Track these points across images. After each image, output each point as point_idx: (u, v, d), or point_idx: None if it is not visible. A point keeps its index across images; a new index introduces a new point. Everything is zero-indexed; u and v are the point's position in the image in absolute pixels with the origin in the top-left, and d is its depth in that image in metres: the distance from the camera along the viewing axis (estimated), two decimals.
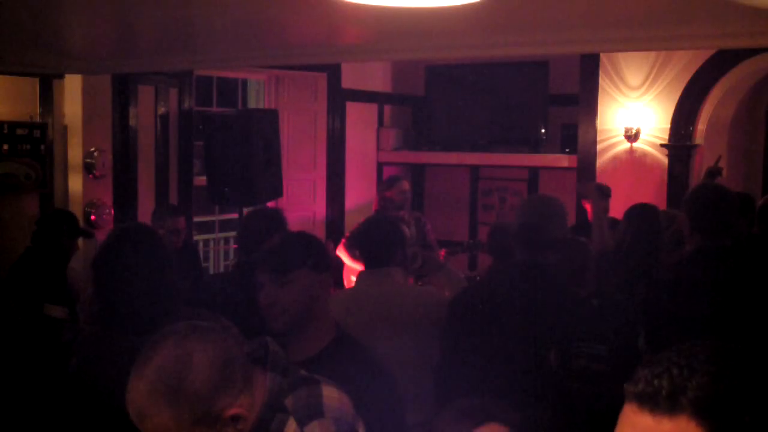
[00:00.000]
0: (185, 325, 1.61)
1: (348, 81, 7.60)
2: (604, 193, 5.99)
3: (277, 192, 6.43)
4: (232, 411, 1.53)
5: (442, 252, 6.18)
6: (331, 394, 1.65)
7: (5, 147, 5.21)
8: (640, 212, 4.00)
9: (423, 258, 4.11)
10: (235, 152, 5.98)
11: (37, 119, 5.42)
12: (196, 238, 6.46)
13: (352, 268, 5.77)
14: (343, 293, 3.65)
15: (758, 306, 2.87)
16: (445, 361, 2.90)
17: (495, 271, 3.04)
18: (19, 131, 5.29)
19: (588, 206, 5.83)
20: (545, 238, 2.77)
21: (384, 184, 5.99)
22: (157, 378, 1.50)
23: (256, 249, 3.40)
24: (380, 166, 8.17)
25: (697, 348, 1.04)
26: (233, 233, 7.32)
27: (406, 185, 5.97)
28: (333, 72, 7.43)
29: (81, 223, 4.91)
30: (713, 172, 5.33)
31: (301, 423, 1.58)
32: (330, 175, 7.60)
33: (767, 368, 1.03)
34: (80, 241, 4.62)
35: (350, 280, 5.79)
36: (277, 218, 3.74)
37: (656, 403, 1.01)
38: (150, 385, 1.50)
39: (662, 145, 6.76)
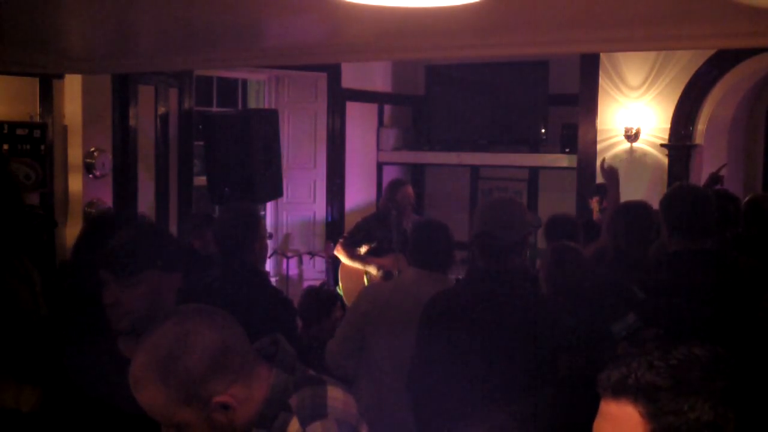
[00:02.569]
0: (193, 306, 1.64)
1: (348, 81, 7.60)
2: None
3: (277, 192, 6.43)
4: (222, 398, 1.54)
5: None
6: (335, 395, 1.65)
7: (5, 147, 5.21)
8: (630, 212, 3.97)
9: None
10: (235, 152, 5.98)
11: (37, 119, 5.42)
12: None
13: (350, 266, 5.80)
14: (389, 284, 3.80)
15: (735, 311, 2.82)
16: (417, 363, 2.92)
17: (464, 277, 3.07)
18: (19, 131, 5.29)
19: (593, 204, 5.84)
20: (503, 245, 2.78)
21: (390, 186, 6.02)
22: (152, 352, 1.54)
23: (232, 242, 3.41)
24: (380, 166, 8.17)
25: (669, 346, 1.14)
26: None
27: (410, 189, 6.02)
28: (333, 72, 7.43)
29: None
30: (715, 178, 5.33)
31: (304, 423, 1.58)
32: (330, 174, 7.60)
33: (730, 369, 1.11)
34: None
35: (348, 278, 5.81)
36: (249, 213, 3.68)
37: (606, 389, 1.16)
38: (146, 358, 1.54)
39: (662, 145, 6.76)
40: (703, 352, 1.13)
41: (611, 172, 4.33)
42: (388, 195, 5.92)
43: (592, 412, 1.20)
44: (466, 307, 2.78)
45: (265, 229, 3.66)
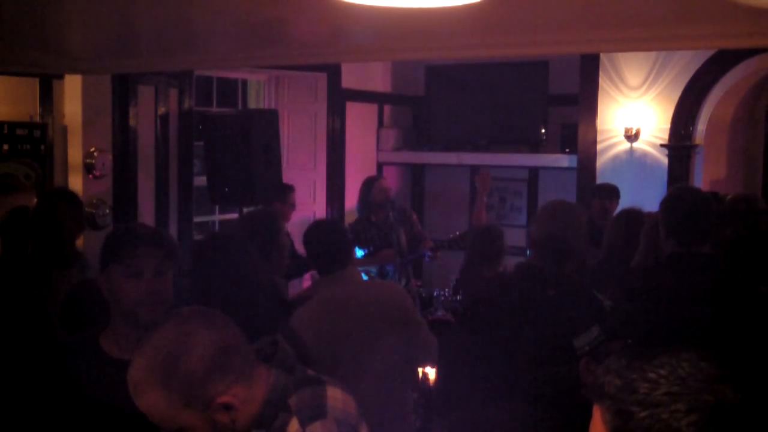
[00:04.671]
0: (190, 309, 1.64)
1: (348, 81, 7.59)
2: (609, 193, 5.98)
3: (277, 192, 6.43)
4: (224, 398, 1.54)
5: (429, 243, 6.21)
6: (335, 395, 1.65)
7: (5, 147, 5.21)
8: (628, 218, 3.99)
9: None
10: (235, 152, 5.98)
11: (37, 119, 5.42)
12: (196, 238, 6.47)
13: None
14: (312, 305, 3.27)
15: (726, 318, 2.80)
16: (451, 360, 2.90)
17: (514, 274, 3.03)
18: (19, 131, 5.29)
19: (595, 205, 5.84)
20: (570, 249, 2.80)
21: (363, 188, 6.04)
22: (153, 356, 1.53)
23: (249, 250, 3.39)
24: (380, 166, 8.17)
25: (653, 354, 1.14)
26: None
27: (384, 183, 6.01)
28: (333, 72, 7.43)
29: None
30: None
31: (304, 423, 1.58)
32: (330, 175, 7.60)
33: (703, 387, 1.09)
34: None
35: None
36: (269, 219, 3.68)
37: (589, 391, 1.19)
38: (146, 362, 1.53)
39: (662, 145, 6.76)
40: (684, 366, 1.10)
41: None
42: (362, 195, 5.95)
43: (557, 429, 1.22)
44: (514, 307, 2.76)
45: (286, 237, 3.63)
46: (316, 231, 3.42)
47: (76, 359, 2.09)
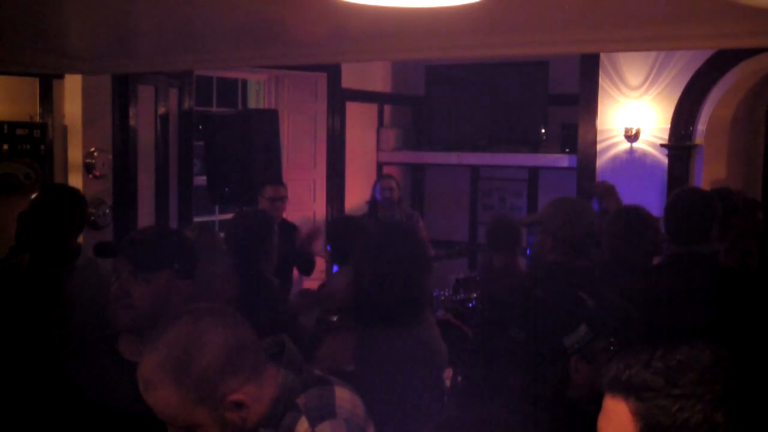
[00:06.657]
0: (203, 306, 1.64)
1: (348, 81, 7.60)
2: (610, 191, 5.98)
3: None
4: (236, 396, 1.54)
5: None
6: (343, 395, 1.65)
7: (5, 147, 5.21)
8: (628, 215, 3.98)
9: None
10: (235, 152, 5.98)
11: (37, 119, 5.42)
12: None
13: None
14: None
15: (725, 318, 2.80)
16: (475, 356, 2.93)
17: (532, 271, 3.07)
18: (19, 131, 5.29)
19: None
20: (589, 243, 2.85)
21: (374, 185, 6.08)
22: (166, 352, 1.52)
23: (249, 251, 3.41)
24: (380, 166, 8.17)
25: (674, 345, 1.15)
26: None
27: (390, 183, 6.03)
28: (333, 72, 7.43)
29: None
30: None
31: (313, 423, 1.58)
32: (330, 175, 7.60)
33: (728, 373, 1.12)
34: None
35: None
36: (265, 220, 3.72)
37: (604, 384, 1.19)
38: (159, 358, 1.52)
39: (662, 145, 6.76)
40: (706, 354, 1.13)
41: (607, 189, 4.36)
42: (371, 193, 6.00)
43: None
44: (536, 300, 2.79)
45: (277, 236, 3.67)
46: (336, 225, 3.60)
47: (90, 359, 2.10)
